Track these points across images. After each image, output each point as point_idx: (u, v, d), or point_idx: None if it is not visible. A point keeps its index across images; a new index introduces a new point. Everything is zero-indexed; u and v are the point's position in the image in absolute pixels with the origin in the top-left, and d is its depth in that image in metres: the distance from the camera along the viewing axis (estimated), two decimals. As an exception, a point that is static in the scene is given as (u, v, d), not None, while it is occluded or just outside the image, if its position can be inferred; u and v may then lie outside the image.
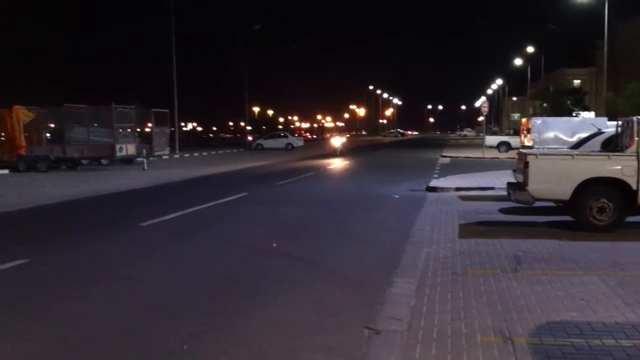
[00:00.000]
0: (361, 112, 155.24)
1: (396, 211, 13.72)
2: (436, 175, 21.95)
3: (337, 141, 46.37)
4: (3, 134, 29.08)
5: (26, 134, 28.71)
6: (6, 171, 26.95)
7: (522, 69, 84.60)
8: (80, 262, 8.71)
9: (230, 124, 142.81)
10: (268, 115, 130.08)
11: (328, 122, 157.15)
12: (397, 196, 16.40)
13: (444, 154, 39.60)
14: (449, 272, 7.55)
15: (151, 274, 8.06)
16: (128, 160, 31.06)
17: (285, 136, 59.37)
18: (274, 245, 9.77)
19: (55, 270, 8.27)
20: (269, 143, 56.03)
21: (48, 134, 30.09)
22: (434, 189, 17.28)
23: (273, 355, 5.07)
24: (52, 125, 30.62)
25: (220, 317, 6.05)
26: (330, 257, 8.82)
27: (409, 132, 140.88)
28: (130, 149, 30.32)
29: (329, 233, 11.04)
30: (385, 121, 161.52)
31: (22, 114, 28.71)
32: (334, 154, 41.08)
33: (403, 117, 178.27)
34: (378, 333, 5.45)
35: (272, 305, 6.45)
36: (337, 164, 32.06)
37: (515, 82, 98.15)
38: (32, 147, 28.63)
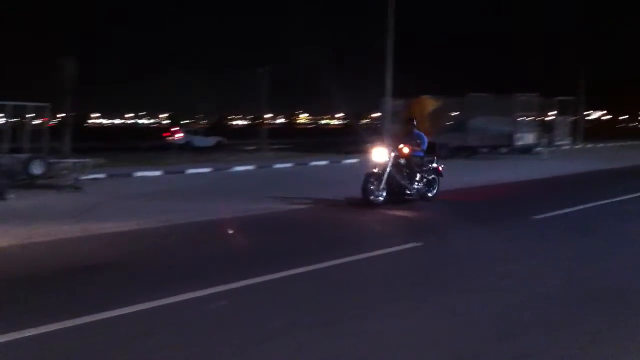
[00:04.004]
0: None
1: None
2: None
3: (381, 155, 13.11)
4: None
5: (430, 122, 30.11)
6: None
7: None
8: (466, 252, 8.52)
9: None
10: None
11: None
12: None
13: None
14: None
15: (536, 271, 7.38)
16: (526, 150, 30.37)
17: None
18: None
19: (442, 256, 8.27)
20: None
21: (449, 122, 31.07)
22: None
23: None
24: (455, 114, 31.51)
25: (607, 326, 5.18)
26: None
27: None
28: (529, 138, 29.63)
29: None
30: None
31: (428, 103, 30.30)
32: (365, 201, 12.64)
33: None
34: None
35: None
36: None
37: None
38: (433, 134, 29.89)
